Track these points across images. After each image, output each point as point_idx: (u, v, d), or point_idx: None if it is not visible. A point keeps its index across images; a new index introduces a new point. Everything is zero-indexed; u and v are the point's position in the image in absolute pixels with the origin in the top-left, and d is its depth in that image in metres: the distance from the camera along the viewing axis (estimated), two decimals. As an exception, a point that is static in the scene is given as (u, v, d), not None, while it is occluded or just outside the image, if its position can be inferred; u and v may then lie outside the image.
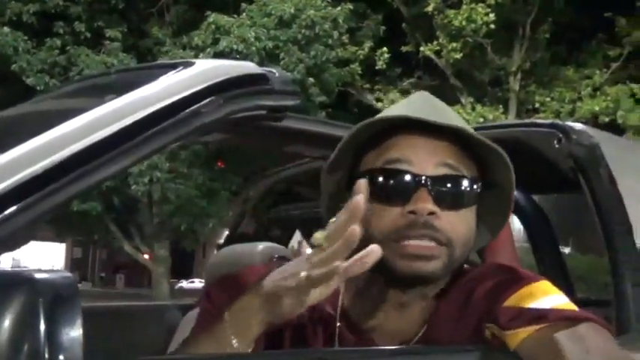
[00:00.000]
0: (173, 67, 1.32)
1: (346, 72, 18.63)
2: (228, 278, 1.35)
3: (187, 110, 1.22)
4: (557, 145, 1.78)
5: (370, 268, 1.11)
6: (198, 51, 16.63)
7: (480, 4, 17.85)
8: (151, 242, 20.35)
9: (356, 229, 1.01)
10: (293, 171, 2.67)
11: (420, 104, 1.31)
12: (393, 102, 15.18)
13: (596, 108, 17.85)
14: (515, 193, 1.24)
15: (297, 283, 1.06)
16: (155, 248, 20.33)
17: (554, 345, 1.12)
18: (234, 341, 1.11)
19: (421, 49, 19.15)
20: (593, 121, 16.71)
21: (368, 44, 19.30)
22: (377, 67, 19.31)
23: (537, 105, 18.92)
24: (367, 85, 20.00)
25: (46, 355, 0.86)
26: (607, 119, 17.61)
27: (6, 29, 17.04)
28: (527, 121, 2.02)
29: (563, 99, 18.78)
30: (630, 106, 17.85)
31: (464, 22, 17.88)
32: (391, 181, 1.23)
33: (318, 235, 1.05)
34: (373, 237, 1.20)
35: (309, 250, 1.07)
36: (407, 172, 1.23)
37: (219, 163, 18.79)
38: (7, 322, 0.86)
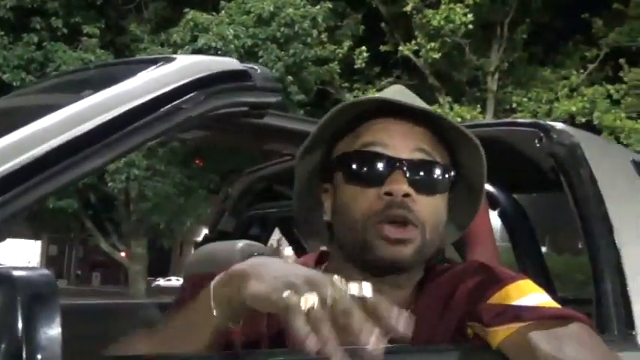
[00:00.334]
0: (154, 62, 1.30)
1: (325, 71, 18.66)
2: (207, 276, 1.32)
3: (168, 106, 1.20)
4: (538, 145, 1.79)
5: (347, 257, 1.08)
6: (177, 48, 16.58)
7: (459, 4, 17.93)
8: (128, 240, 20.26)
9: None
10: (272, 169, 2.66)
11: (393, 92, 1.34)
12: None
13: (573, 108, 17.99)
14: (496, 192, 1.25)
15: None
16: (132, 246, 20.23)
17: (534, 343, 1.12)
18: (215, 311, 1.05)
19: (400, 48, 19.19)
20: (569, 121, 16.84)
21: (347, 43, 19.33)
22: (356, 66, 19.34)
23: (515, 105, 19.04)
24: (346, 84, 20.01)
25: (24, 355, 0.84)
26: (583, 120, 17.75)
27: (-18, 24, 16.92)
28: (508, 120, 2.03)
29: (541, 99, 18.92)
30: (606, 107, 18.02)
31: (442, 22, 17.94)
32: (367, 164, 1.24)
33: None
34: (354, 220, 1.22)
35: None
36: (382, 155, 1.23)
37: (197, 162, 18.74)
38: (-17, 321, 0.84)
